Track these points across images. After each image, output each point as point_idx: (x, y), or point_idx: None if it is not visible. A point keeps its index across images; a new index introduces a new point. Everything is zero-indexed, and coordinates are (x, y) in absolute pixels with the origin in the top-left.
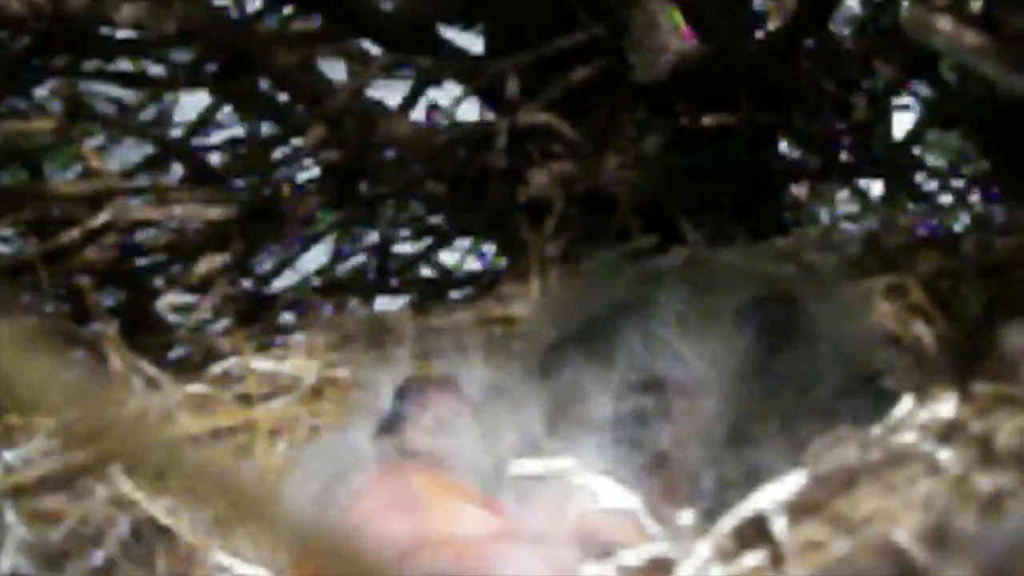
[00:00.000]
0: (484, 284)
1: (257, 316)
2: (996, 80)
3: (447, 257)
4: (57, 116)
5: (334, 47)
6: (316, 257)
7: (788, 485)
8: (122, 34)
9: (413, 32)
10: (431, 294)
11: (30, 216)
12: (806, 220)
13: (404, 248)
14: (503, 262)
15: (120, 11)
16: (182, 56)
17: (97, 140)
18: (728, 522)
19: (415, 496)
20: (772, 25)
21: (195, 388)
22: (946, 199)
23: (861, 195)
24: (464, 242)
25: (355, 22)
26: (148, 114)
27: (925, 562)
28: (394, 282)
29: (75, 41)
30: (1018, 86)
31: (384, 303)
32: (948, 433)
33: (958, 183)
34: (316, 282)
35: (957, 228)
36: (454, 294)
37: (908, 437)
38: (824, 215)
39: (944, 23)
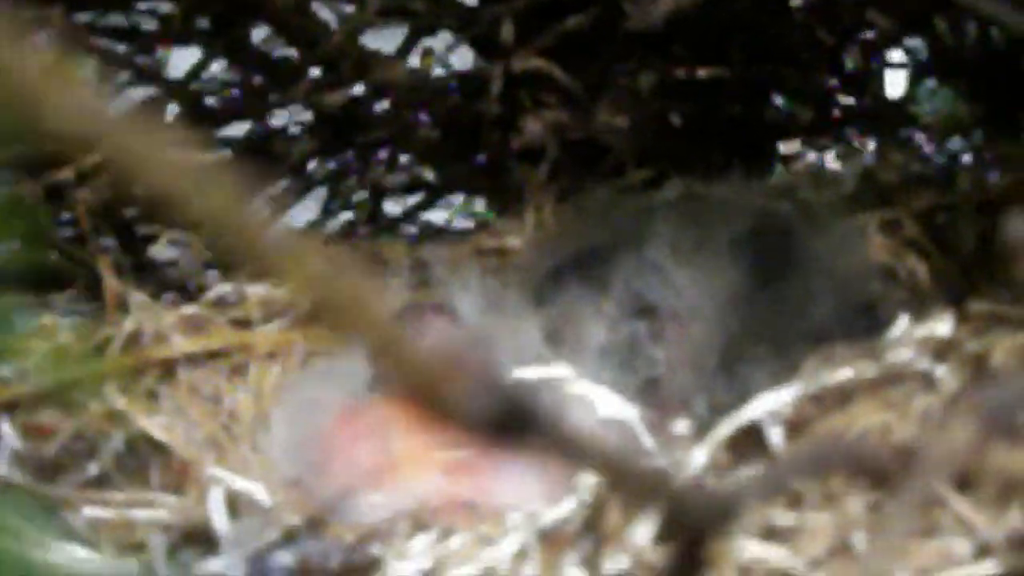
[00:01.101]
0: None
1: None
2: (998, 19)
3: (436, 216)
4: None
5: None
6: (306, 210)
7: (783, 396)
8: None
9: None
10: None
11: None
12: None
13: (394, 208)
14: (493, 217)
15: None
16: (173, 10)
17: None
18: (723, 431)
19: (385, 423)
20: None
21: (190, 310)
22: (939, 158)
23: (853, 151)
24: (455, 199)
25: None
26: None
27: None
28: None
29: None
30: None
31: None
32: (944, 351)
33: (952, 142)
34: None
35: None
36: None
37: (904, 354)
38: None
39: None
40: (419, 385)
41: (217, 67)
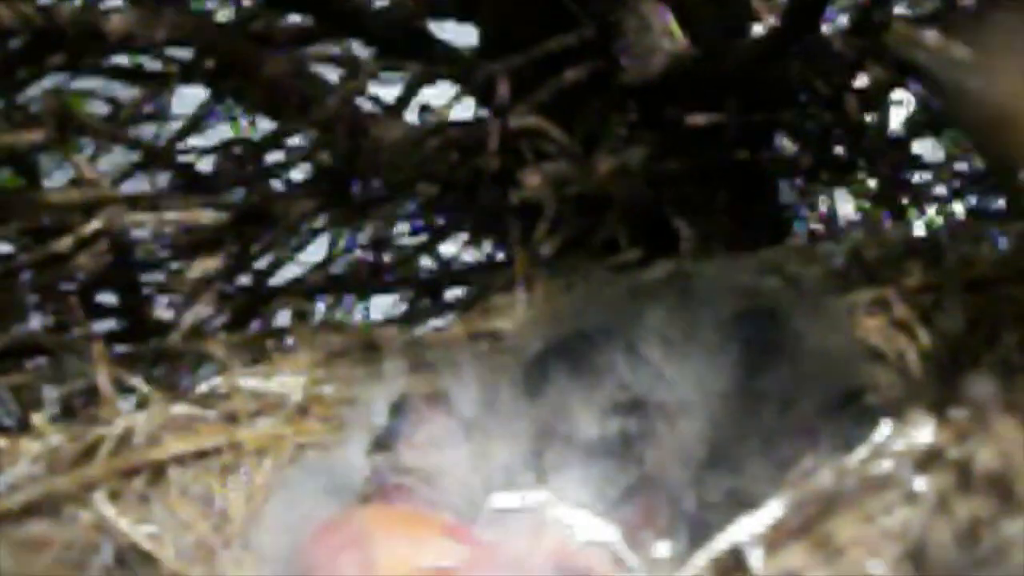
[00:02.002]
0: (477, 282)
1: (253, 314)
2: (984, 96)
3: (445, 249)
4: (46, 125)
5: (325, 54)
6: (315, 250)
7: (765, 516)
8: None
9: (405, 32)
10: (426, 290)
11: (22, 223)
12: (802, 216)
13: (403, 240)
14: (500, 254)
15: (110, 22)
16: (180, 52)
17: (89, 147)
18: (704, 555)
19: (368, 535)
20: (763, 26)
21: (180, 408)
22: (941, 190)
23: (855, 191)
24: (463, 235)
25: (346, 22)
26: (146, 108)
27: None
28: (389, 278)
29: (71, 39)
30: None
31: (380, 301)
32: (926, 460)
33: (953, 178)
34: (312, 278)
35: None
36: (449, 290)
37: (885, 464)
38: (823, 207)
39: (930, 37)
40: None
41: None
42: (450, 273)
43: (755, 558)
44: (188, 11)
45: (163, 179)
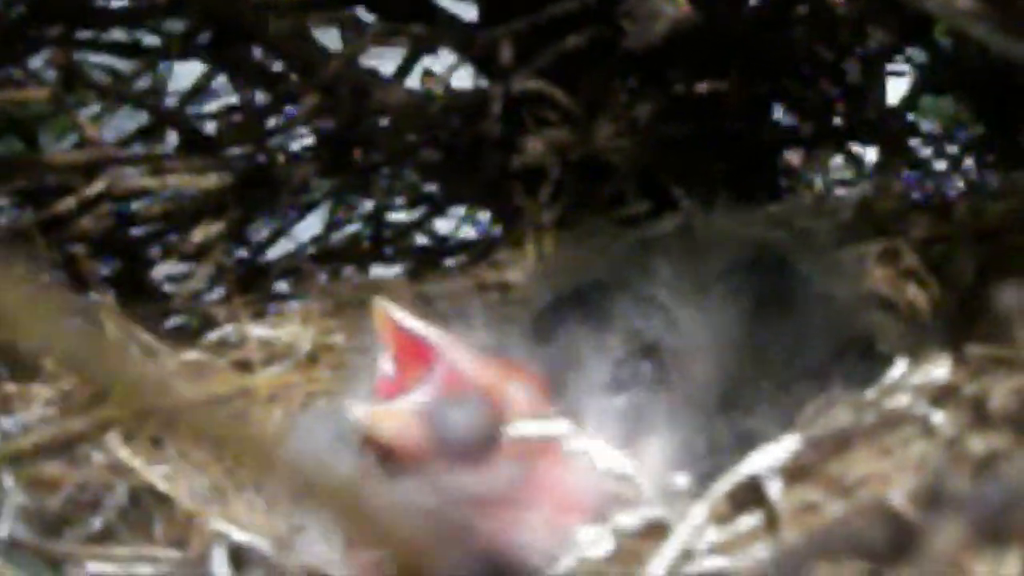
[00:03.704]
0: (479, 251)
1: (252, 284)
2: (990, 44)
3: (442, 225)
4: (52, 85)
5: (327, 15)
6: (312, 225)
7: (781, 449)
8: (116, 4)
9: None
10: (426, 262)
11: (25, 186)
12: (800, 186)
13: (399, 216)
14: (498, 229)
15: None
16: (176, 26)
17: (92, 109)
18: (722, 485)
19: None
20: None
21: (191, 355)
22: (940, 165)
23: (855, 161)
24: (459, 210)
25: None
26: (143, 83)
27: (918, 522)
28: (388, 251)
29: (69, 11)
30: (1012, 50)
31: (379, 272)
32: (942, 396)
33: (952, 149)
34: (311, 250)
35: (951, 193)
36: (448, 261)
37: (902, 400)
38: (819, 181)
39: None
40: (399, 557)
41: (217, 92)
42: (449, 246)
43: (773, 489)
44: None
45: (165, 146)
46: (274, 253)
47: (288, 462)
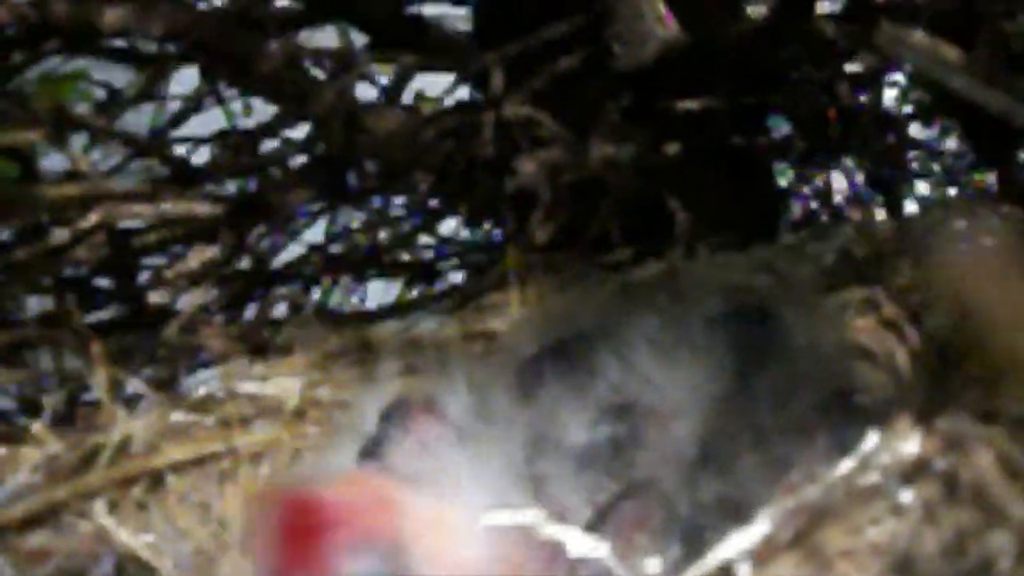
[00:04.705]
0: (471, 282)
1: (251, 298)
2: (969, 95)
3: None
4: (44, 125)
5: (319, 48)
6: (313, 233)
7: (755, 531)
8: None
9: (398, 18)
10: (422, 273)
11: (20, 221)
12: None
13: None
14: (498, 233)
15: (104, 17)
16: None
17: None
18: (695, 571)
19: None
20: (756, 11)
21: (177, 416)
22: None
23: (849, 172)
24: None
25: (339, 6)
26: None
27: None
28: (387, 259)
29: (65, 32)
30: (991, 102)
31: (377, 286)
32: (912, 472)
33: (946, 157)
34: (311, 259)
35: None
36: (446, 271)
37: (872, 477)
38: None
39: (918, 38)
40: None
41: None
42: (447, 255)
43: (744, 572)
44: (183, 4)
45: (159, 169)
46: (280, 260)
47: None
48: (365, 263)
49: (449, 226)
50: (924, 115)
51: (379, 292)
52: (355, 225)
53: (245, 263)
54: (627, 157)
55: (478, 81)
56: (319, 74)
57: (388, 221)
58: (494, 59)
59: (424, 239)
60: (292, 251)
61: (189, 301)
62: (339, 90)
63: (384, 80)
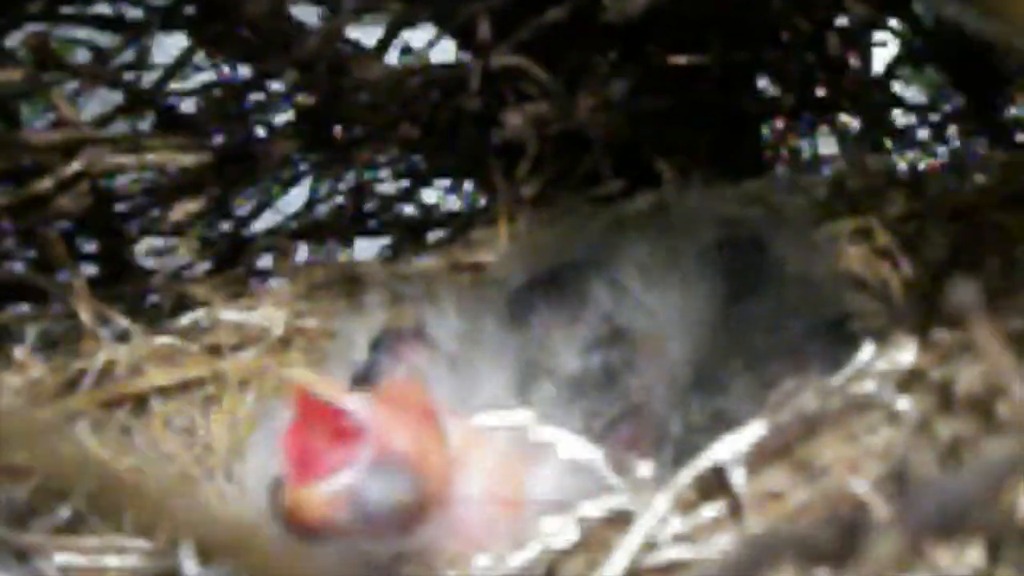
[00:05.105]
0: (459, 226)
1: (235, 259)
2: (964, 23)
3: (427, 195)
4: (26, 66)
5: None
6: (296, 198)
7: (747, 436)
8: None
9: None
10: (409, 235)
11: (2, 165)
12: (784, 157)
13: (385, 188)
14: (481, 200)
15: None
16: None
17: (70, 87)
18: (687, 474)
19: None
20: None
21: (163, 340)
22: (923, 134)
23: (838, 131)
24: (444, 181)
25: None
26: (126, 56)
27: (882, 511)
28: (372, 223)
29: None
30: (986, 29)
31: (362, 245)
32: (908, 381)
33: (935, 118)
34: (294, 224)
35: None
36: (432, 235)
37: (868, 386)
38: (807, 150)
39: None
40: None
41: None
42: (432, 219)
43: (737, 477)
44: None
45: (145, 123)
46: (259, 226)
47: (212, 529)
48: (350, 227)
49: (433, 196)
50: (914, 65)
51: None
52: (341, 188)
53: (228, 226)
54: (614, 110)
55: (464, 35)
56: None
57: (372, 186)
58: (481, 9)
59: (409, 209)
60: (274, 217)
61: (174, 257)
62: (325, 36)
63: (371, 36)
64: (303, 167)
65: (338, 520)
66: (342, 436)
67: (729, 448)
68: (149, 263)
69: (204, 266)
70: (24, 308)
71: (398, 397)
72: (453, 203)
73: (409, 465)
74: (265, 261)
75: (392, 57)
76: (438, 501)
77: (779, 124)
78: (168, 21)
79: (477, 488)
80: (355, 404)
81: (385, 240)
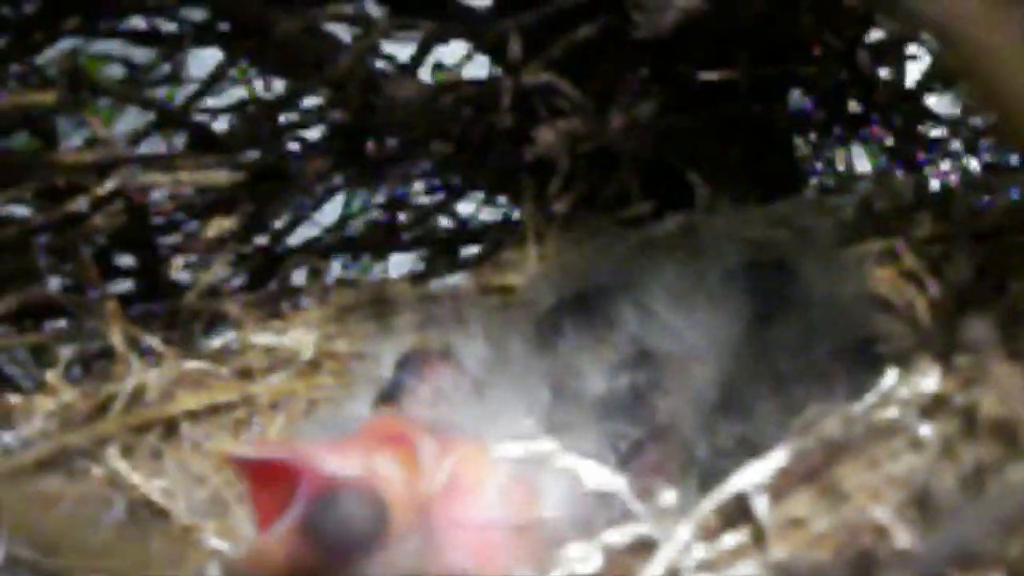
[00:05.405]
0: (492, 241)
1: (268, 274)
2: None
3: (462, 208)
4: (59, 87)
5: (338, 13)
6: (330, 212)
7: (770, 463)
8: None
9: None
10: (442, 249)
11: (38, 184)
12: (818, 173)
13: (418, 201)
14: (515, 211)
15: None
16: (195, 13)
17: (104, 104)
18: (710, 502)
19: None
20: None
21: (194, 364)
22: (955, 145)
23: (870, 146)
24: (479, 193)
25: None
26: (160, 71)
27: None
28: (406, 236)
29: (86, 1)
30: None
31: (396, 260)
32: (931, 407)
33: (967, 132)
34: (328, 239)
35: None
36: (466, 249)
37: (891, 412)
38: (839, 165)
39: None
40: None
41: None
42: (466, 232)
43: (760, 505)
44: None
45: (178, 141)
46: (293, 240)
47: None
48: (384, 241)
49: (468, 208)
50: (946, 79)
51: (400, 267)
52: (375, 201)
53: (263, 240)
54: (645, 126)
55: (496, 52)
56: (338, 41)
57: (407, 199)
58: (512, 27)
59: (444, 222)
60: (309, 231)
61: (208, 273)
62: (357, 54)
63: (404, 53)
64: (337, 182)
65: (301, 558)
66: (286, 483)
67: (752, 476)
68: (183, 278)
69: (237, 282)
70: (59, 323)
71: (375, 430)
72: (487, 215)
73: (360, 490)
74: (299, 277)
75: (425, 74)
76: (416, 524)
77: (812, 138)
78: (202, 37)
79: (484, 511)
80: (282, 451)
81: (419, 254)
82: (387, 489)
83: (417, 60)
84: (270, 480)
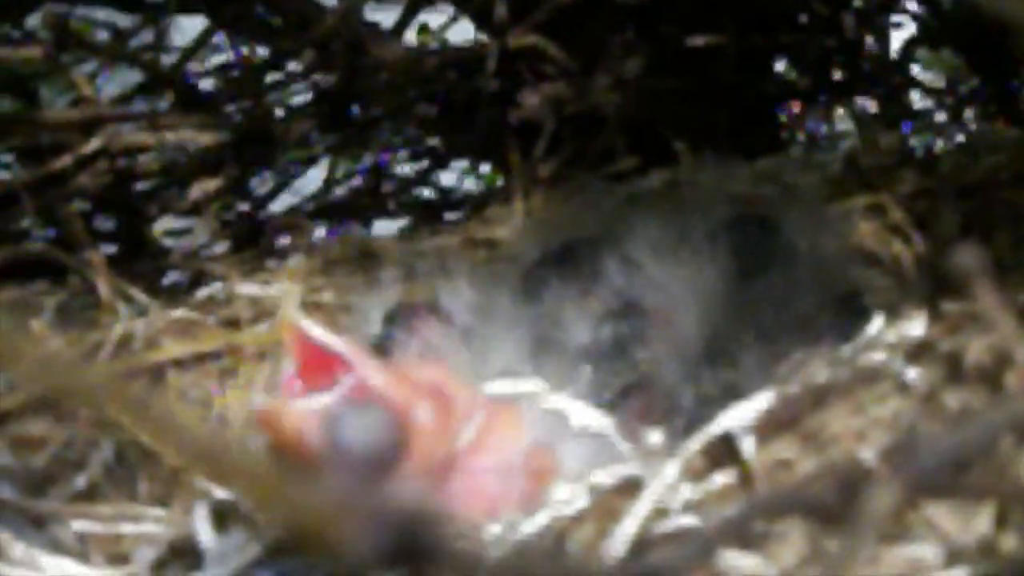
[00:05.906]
0: (475, 207)
1: (252, 239)
2: (979, 4)
3: (444, 178)
4: (45, 44)
5: None
6: (313, 179)
7: (756, 405)
8: None
9: None
10: (427, 216)
11: (22, 143)
12: (802, 138)
13: (402, 169)
14: (499, 180)
15: None
16: None
17: (89, 67)
18: (696, 442)
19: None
20: None
21: (179, 313)
22: (940, 116)
23: (855, 113)
24: (461, 163)
25: None
26: (144, 38)
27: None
28: (390, 204)
29: None
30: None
31: (380, 226)
32: (917, 352)
33: (952, 100)
34: (312, 205)
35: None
36: (449, 215)
37: (877, 356)
38: (824, 132)
39: None
40: (308, 527)
41: (217, 47)
42: (450, 200)
43: (747, 446)
44: None
45: (163, 102)
46: (276, 206)
47: (194, 439)
48: (367, 208)
49: (450, 178)
50: (931, 47)
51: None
52: (359, 169)
53: (246, 207)
54: (630, 87)
55: (482, 15)
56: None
57: (390, 167)
58: None
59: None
60: (292, 199)
61: (192, 236)
62: (342, 16)
63: (389, 17)
64: (320, 147)
65: (309, 443)
66: (329, 371)
67: (738, 416)
68: (167, 242)
69: (222, 246)
70: (43, 285)
71: (411, 370)
72: (470, 185)
73: (389, 413)
74: (282, 241)
75: (410, 37)
76: (433, 464)
77: (796, 106)
78: (186, 2)
79: (504, 462)
80: (348, 348)
81: (403, 221)
82: (416, 430)
83: (402, 24)
84: (316, 360)
